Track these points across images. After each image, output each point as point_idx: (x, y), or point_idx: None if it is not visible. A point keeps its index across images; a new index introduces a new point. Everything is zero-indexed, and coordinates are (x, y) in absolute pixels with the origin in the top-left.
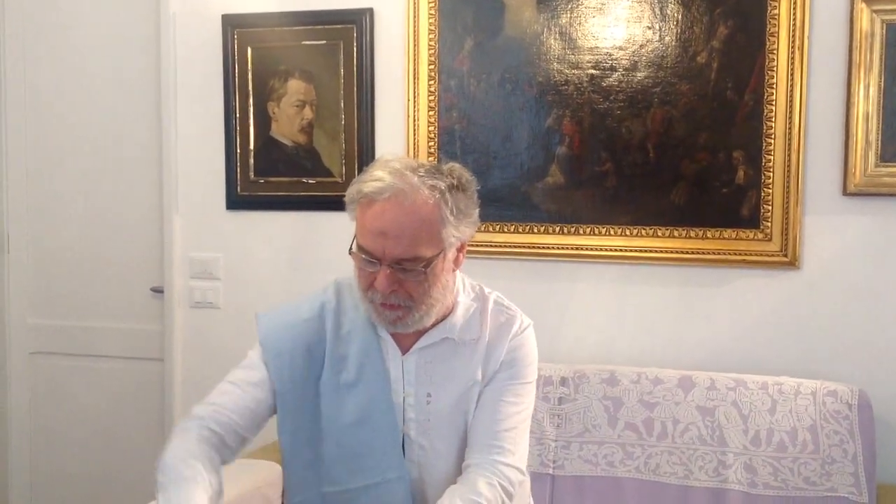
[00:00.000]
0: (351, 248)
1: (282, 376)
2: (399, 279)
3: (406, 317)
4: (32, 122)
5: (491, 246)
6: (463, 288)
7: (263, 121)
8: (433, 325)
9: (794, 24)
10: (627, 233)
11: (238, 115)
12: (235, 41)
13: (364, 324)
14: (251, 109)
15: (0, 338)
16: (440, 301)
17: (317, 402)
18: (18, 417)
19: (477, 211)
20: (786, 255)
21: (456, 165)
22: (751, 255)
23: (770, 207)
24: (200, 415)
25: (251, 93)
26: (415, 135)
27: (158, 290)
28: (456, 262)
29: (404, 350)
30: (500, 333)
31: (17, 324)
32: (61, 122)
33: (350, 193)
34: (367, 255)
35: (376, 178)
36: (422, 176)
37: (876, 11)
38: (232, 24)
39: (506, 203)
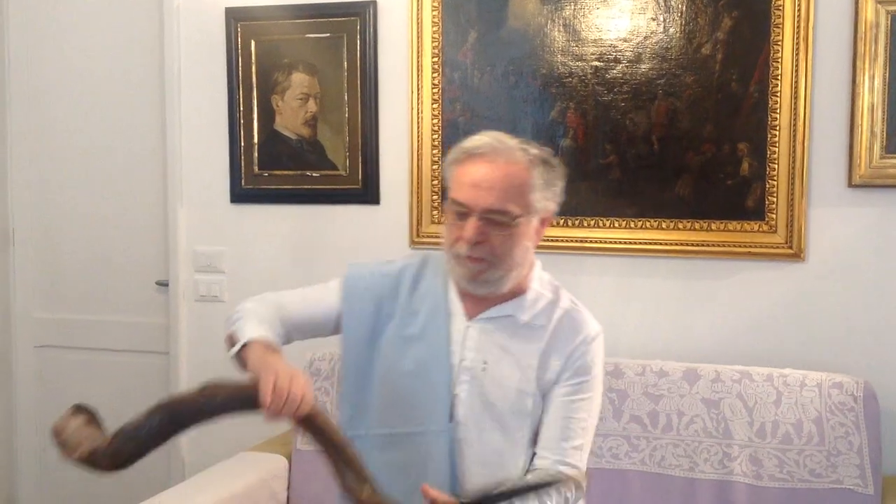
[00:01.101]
0: (444, 205)
1: (350, 318)
2: (486, 232)
3: (486, 271)
4: (37, 115)
5: None
6: (540, 280)
7: (267, 114)
8: (503, 301)
9: (799, 16)
10: (632, 225)
11: (242, 109)
12: (239, 34)
13: (440, 289)
14: (255, 103)
15: (6, 331)
16: (519, 266)
17: (378, 348)
18: (25, 410)
19: (561, 187)
20: (791, 247)
21: (545, 148)
22: (756, 247)
23: (775, 199)
24: (269, 303)
25: (255, 86)
26: (419, 127)
27: (163, 284)
28: (537, 234)
29: (470, 318)
30: (566, 331)
31: (23, 317)
32: (66, 115)
33: (449, 156)
34: (459, 207)
35: (476, 139)
36: (516, 142)
37: (881, 2)
38: (235, 17)
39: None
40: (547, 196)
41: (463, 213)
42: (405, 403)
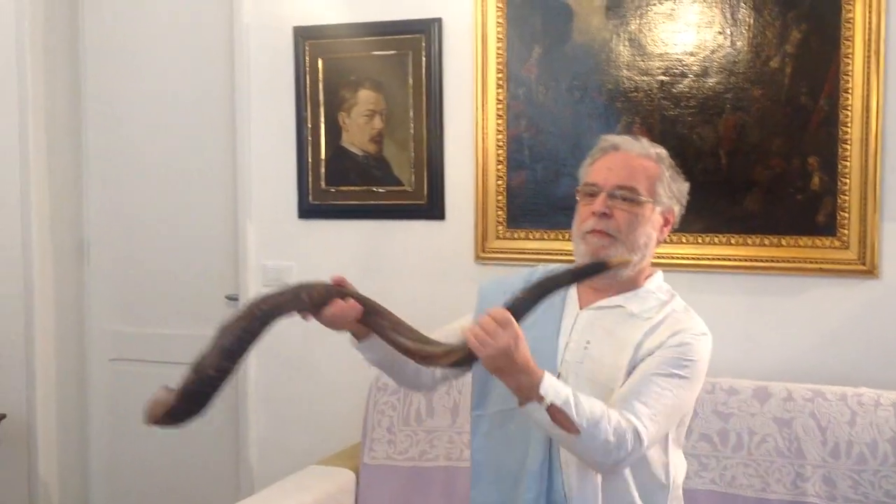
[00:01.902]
0: (577, 191)
1: (483, 309)
2: (611, 207)
3: (608, 247)
4: (110, 132)
5: (561, 254)
6: (659, 286)
7: (334, 130)
8: (617, 293)
9: (870, 28)
10: (700, 240)
11: (309, 126)
12: (307, 52)
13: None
14: (322, 119)
15: (81, 345)
16: (639, 252)
17: None
18: (98, 421)
19: (686, 189)
20: (863, 264)
21: None
22: (827, 263)
23: (847, 214)
24: None
25: (322, 103)
26: (483, 143)
27: (233, 298)
28: (660, 231)
29: (583, 308)
30: (670, 323)
31: (97, 331)
32: (139, 133)
33: (586, 160)
34: (591, 188)
35: (612, 136)
36: (648, 142)
37: None
38: (303, 36)
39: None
40: (672, 193)
41: (594, 193)
42: None
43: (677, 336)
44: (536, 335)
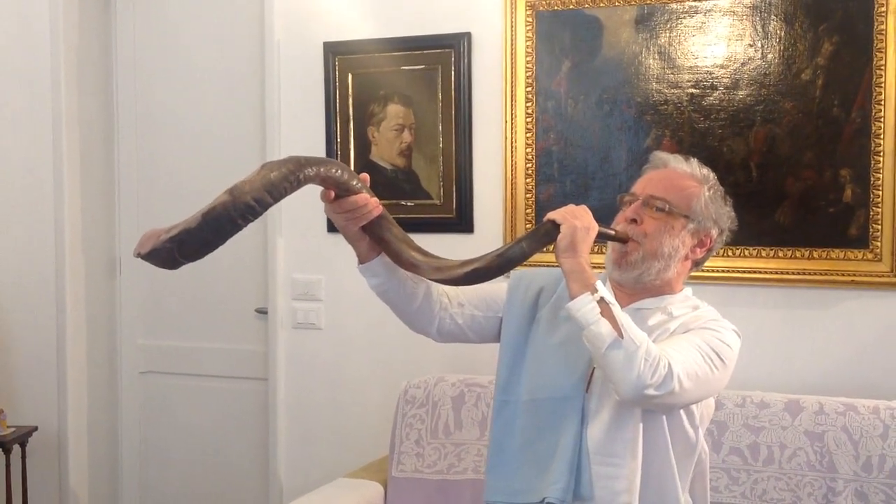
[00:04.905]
0: (619, 199)
1: (515, 297)
2: (643, 214)
3: (632, 253)
4: (143, 148)
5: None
6: (689, 297)
7: (363, 145)
8: (649, 297)
9: None
10: (730, 253)
11: (339, 140)
12: (336, 68)
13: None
14: (351, 134)
15: (112, 357)
16: (664, 261)
17: (535, 325)
18: (129, 433)
19: (730, 215)
20: None
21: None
22: (859, 275)
23: (879, 227)
24: None
25: (351, 117)
26: (512, 156)
27: (262, 312)
28: (692, 251)
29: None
30: (701, 316)
31: (129, 344)
32: (171, 147)
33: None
34: (630, 197)
35: (665, 154)
36: (698, 163)
37: None
38: (333, 52)
39: (604, 225)
40: (710, 214)
41: (631, 201)
42: (551, 371)
43: (711, 322)
44: (573, 329)
